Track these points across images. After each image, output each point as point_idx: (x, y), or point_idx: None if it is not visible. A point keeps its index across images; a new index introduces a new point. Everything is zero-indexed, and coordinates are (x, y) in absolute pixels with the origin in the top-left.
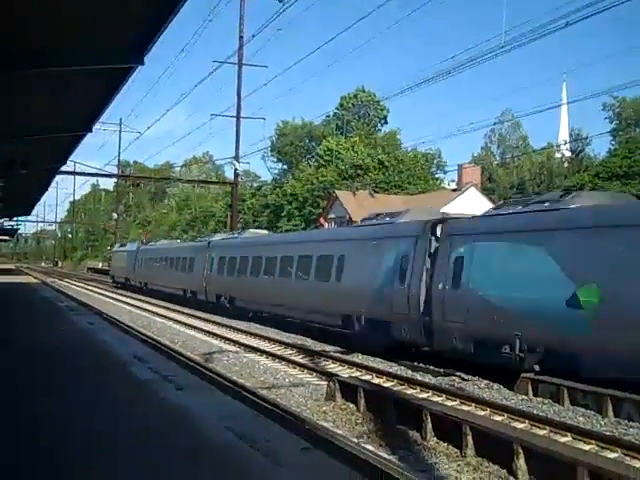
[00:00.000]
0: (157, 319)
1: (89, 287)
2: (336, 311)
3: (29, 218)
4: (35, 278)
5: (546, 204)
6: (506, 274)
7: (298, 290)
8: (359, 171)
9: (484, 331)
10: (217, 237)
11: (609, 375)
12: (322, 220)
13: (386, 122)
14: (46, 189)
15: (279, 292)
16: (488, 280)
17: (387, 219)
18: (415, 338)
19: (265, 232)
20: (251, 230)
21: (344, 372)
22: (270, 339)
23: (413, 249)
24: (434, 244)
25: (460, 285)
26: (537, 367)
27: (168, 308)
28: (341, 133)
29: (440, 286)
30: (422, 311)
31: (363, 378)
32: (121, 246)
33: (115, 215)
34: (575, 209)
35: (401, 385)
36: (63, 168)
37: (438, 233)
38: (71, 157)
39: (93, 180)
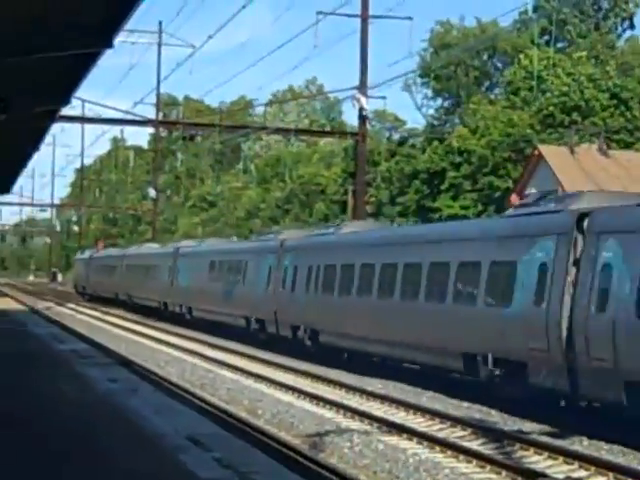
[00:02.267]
0: (226, 373)
1: (108, 317)
2: None
3: (8, 199)
4: (18, 302)
5: None
6: None
7: None
8: (575, 114)
9: None
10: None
11: None
12: (514, 198)
13: (632, 26)
14: (36, 148)
15: None
16: None
17: None
18: None
19: None
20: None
21: (558, 469)
22: (424, 410)
23: None
24: None
25: None
26: None
27: (244, 355)
28: (547, 43)
29: None
30: None
31: None
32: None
33: (152, 192)
34: None
35: None
36: (65, 111)
37: None
38: (78, 92)
39: (115, 131)
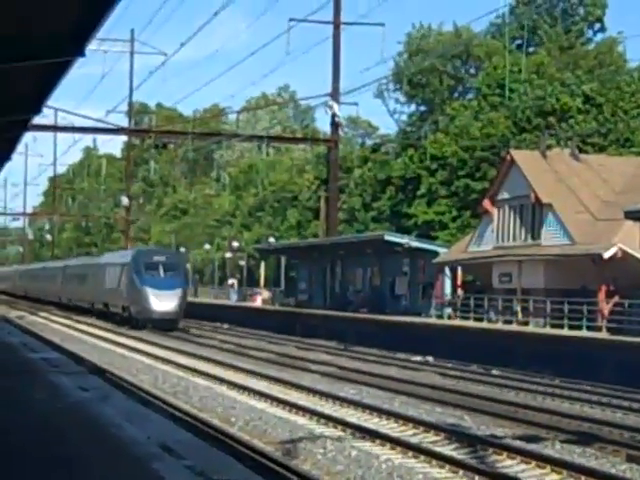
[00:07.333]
0: (199, 380)
1: (81, 325)
2: None
3: None
4: None
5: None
6: None
7: None
8: (551, 118)
9: None
10: None
11: None
12: (487, 203)
13: (602, 28)
14: (8, 158)
15: None
16: None
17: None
18: None
19: None
20: None
21: (531, 474)
22: (397, 416)
23: None
24: None
25: None
26: None
27: (218, 362)
28: (519, 47)
29: None
30: None
31: None
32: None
33: (125, 200)
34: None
35: None
36: (37, 120)
37: None
38: (50, 101)
39: (87, 140)
